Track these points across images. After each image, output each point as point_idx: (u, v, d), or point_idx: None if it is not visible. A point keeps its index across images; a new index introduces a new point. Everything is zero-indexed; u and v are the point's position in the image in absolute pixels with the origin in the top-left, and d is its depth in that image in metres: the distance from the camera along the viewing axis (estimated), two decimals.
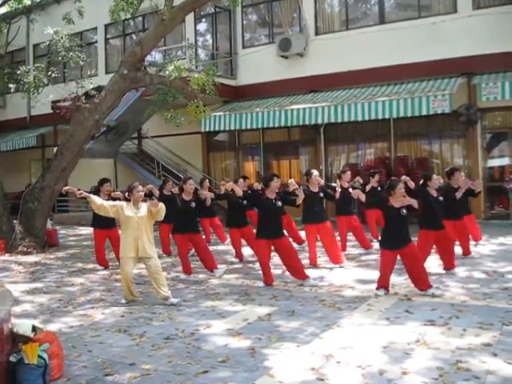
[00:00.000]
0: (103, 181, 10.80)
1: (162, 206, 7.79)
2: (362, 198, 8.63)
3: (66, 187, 10.44)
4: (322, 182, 10.48)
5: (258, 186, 11.80)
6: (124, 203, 7.93)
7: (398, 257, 7.70)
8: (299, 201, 8.84)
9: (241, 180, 11.47)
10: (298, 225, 11.92)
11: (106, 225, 10.49)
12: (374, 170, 12.89)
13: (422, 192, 8.89)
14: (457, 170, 10.34)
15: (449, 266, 9.05)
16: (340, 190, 10.27)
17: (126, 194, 8.25)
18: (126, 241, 7.73)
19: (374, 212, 11.40)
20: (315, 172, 10.18)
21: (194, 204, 9.51)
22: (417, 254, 7.72)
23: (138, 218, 7.71)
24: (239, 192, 9.50)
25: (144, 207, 7.81)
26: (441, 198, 8.96)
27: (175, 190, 11.08)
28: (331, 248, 10.03)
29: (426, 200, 8.79)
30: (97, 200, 7.93)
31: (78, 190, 10.16)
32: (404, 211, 7.57)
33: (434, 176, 9.17)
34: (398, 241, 7.58)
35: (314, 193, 9.86)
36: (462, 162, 16.57)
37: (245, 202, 10.13)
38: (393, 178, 8.67)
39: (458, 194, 9.69)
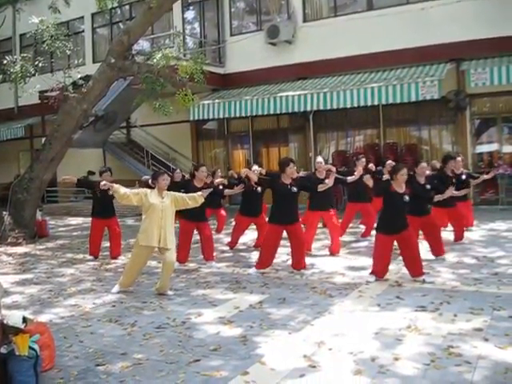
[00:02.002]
0: (103, 171, 10.69)
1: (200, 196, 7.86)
2: (370, 183, 8.54)
3: (66, 177, 10.39)
4: (333, 169, 10.29)
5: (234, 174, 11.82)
6: (148, 190, 7.74)
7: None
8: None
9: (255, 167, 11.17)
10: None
11: (105, 214, 10.45)
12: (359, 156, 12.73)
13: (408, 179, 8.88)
14: (451, 159, 10.37)
15: (437, 252, 9.07)
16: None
17: (150, 181, 8.19)
18: (149, 229, 7.48)
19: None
20: (318, 159, 10.17)
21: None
22: (413, 240, 7.71)
23: (164, 206, 7.52)
24: (254, 178, 9.45)
25: (168, 196, 7.66)
26: (428, 186, 8.96)
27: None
28: (335, 236, 10.02)
29: (411, 186, 8.77)
30: (120, 189, 7.58)
31: (79, 179, 10.18)
32: (407, 197, 7.58)
33: (422, 164, 9.20)
34: (395, 226, 7.58)
35: (319, 179, 9.77)
36: (451, 148, 16.58)
37: (259, 189, 10.12)
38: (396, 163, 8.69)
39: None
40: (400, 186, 7.62)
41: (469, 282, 7.50)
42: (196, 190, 9.29)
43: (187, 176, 11.72)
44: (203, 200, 7.99)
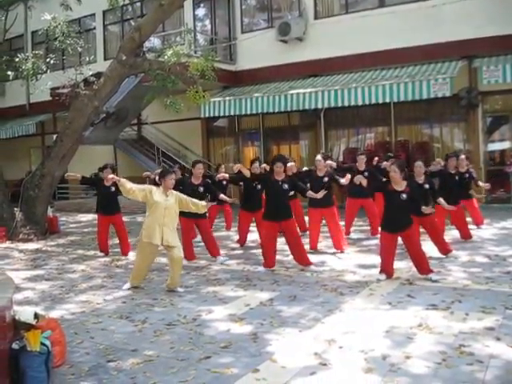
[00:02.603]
0: (104, 167, 10.77)
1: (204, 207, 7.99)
2: (364, 182, 8.59)
3: (71, 173, 10.46)
4: (333, 165, 10.29)
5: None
6: (154, 187, 7.77)
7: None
8: (312, 196, 8.86)
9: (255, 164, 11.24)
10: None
11: (109, 210, 10.51)
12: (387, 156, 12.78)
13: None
14: (452, 157, 10.35)
15: (443, 251, 9.04)
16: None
17: (157, 178, 8.23)
18: (151, 226, 7.55)
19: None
20: (317, 157, 10.17)
21: (202, 188, 9.47)
22: (415, 238, 7.68)
23: (167, 205, 7.57)
24: (247, 173, 9.52)
25: (172, 196, 7.69)
26: (426, 186, 8.92)
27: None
28: (335, 234, 10.02)
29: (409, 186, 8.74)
30: (127, 184, 7.64)
31: (83, 177, 10.26)
32: (404, 196, 7.54)
33: (417, 163, 9.19)
34: (397, 224, 7.55)
35: (319, 177, 9.83)
36: (463, 146, 16.50)
37: (259, 186, 10.14)
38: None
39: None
40: (398, 184, 7.58)
41: (480, 281, 7.45)
42: (193, 186, 9.37)
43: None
44: (205, 210, 8.01)
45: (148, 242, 7.60)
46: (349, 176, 9.46)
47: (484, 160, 16.16)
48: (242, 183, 10.77)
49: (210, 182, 9.93)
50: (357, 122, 18.28)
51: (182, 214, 9.34)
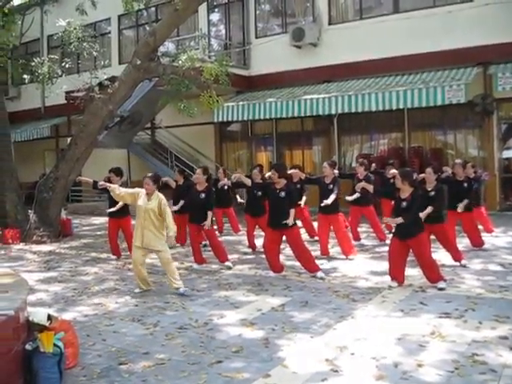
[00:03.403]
0: (110, 170, 10.81)
1: (172, 229, 7.76)
2: (370, 188, 8.62)
3: (83, 178, 10.53)
4: (335, 172, 10.32)
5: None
6: (142, 191, 7.88)
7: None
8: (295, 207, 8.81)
9: (255, 171, 11.32)
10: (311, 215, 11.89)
11: (117, 214, 10.54)
12: (391, 161, 12.83)
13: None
14: (456, 164, 10.30)
15: (456, 258, 8.99)
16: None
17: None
18: (136, 229, 7.84)
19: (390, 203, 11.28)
20: (324, 164, 10.21)
21: (203, 195, 9.44)
22: (423, 246, 7.60)
23: (146, 209, 7.69)
24: (248, 182, 9.65)
25: (156, 200, 7.74)
26: (432, 193, 8.87)
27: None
28: (342, 240, 10.02)
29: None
30: (116, 190, 8.05)
31: (95, 181, 10.30)
32: (404, 204, 7.52)
33: (427, 170, 9.18)
34: (404, 231, 7.53)
35: (326, 184, 9.86)
36: (477, 153, 16.43)
37: (259, 193, 10.18)
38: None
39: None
40: (403, 192, 7.59)
41: (494, 289, 7.40)
42: (196, 193, 9.40)
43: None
44: (171, 235, 7.80)
45: (134, 244, 7.89)
46: (357, 195, 9.75)
47: (499, 167, 16.06)
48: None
49: (214, 190, 9.97)
50: (370, 127, 18.25)
51: (189, 220, 9.61)
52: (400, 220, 7.40)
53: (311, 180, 10.79)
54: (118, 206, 10.28)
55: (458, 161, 10.68)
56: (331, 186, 9.82)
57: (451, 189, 10.09)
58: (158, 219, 7.74)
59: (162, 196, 7.83)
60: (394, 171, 10.28)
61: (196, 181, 9.68)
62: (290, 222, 8.25)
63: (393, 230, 8.18)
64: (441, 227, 8.86)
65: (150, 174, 8.03)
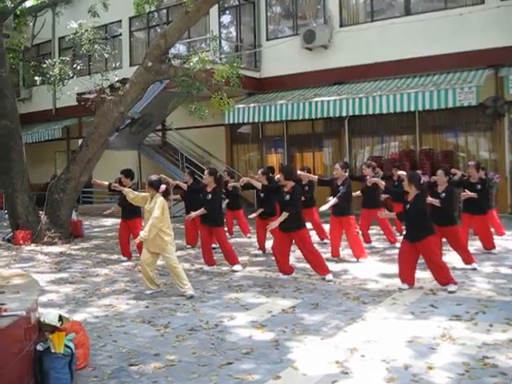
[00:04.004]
0: (121, 172, 10.89)
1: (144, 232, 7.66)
2: (381, 184, 8.61)
3: (98, 180, 10.58)
4: (345, 174, 10.20)
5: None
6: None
7: None
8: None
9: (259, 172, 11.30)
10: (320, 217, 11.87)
11: (126, 215, 10.57)
12: (397, 163, 12.80)
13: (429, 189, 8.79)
14: (470, 166, 10.24)
15: (467, 261, 8.94)
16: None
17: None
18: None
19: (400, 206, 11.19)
20: (336, 165, 10.16)
21: (210, 196, 9.45)
22: (431, 249, 7.55)
23: (147, 209, 7.80)
24: (258, 185, 9.66)
25: (156, 201, 7.70)
26: (443, 195, 8.81)
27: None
28: (353, 242, 10.00)
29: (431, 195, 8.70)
30: (130, 193, 8.23)
31: (110, 183, 10.38)
32: (407, 206, 7.54)
33: (438, 171, 9.14)
34: (410, 234, 7.56)
35: (337, 185, 9.84)
36: (488, 156, 16.37)
37: (262, 194, 10.32)
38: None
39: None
40: (410, 194, 7.61)
41: (505, 292, 7.37)
42: (204, 193, 9.52)
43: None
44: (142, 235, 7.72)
45: (143, 244, 7.95)
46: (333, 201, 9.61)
47: (510, 169, 15.98)
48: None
49: (222, 191, 10.01)
50: (381, 130, 18.22)
51: (200, 220, 9.61)
52: (392, 214, 8.09)
53: (323, 181, 10.74)
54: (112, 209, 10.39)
55: (471, 163, 10.62)
56: (341, 187, 9.81)
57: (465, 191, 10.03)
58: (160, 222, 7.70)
59: (160, 198, 7.74)
60: (401, 173, 10.27)
61: (205, 182, 9.72)
62: (272, 225, 8.54)
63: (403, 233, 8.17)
64: (452, 230, 8.82)
65: (148, 178, 8.03)
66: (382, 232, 11.73)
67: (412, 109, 15.04)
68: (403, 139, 18.25)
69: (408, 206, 7.55)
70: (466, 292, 7.45)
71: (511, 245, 11.05)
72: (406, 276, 7.70)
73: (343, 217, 9.82)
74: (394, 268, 8.83)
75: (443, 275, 7.54)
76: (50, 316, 4.85)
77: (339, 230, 10.01)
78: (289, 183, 8.52)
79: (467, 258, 8.95)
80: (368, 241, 11.36)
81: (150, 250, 7.79)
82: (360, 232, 11.03)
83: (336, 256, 10.03)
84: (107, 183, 10.57)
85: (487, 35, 15.20)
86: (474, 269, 8.80)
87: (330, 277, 8.45)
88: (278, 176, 9.88)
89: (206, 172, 9.78)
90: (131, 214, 10.49)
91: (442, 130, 17.40)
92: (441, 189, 8.91)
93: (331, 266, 8.87)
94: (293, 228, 8.36)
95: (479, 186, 9.97)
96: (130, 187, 9.66)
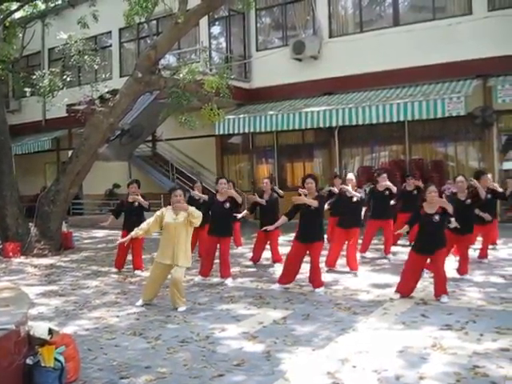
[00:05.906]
0: (130, 182, 10.98)
1: (198, 214, 7.61)
2: (394, 189, 8.72)
3: (139, 198, 10.48)
4: (346, 187, 9.90)
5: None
6: (163, 210, 7.80)
7: None
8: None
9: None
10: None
11: (127, 227, 10.45)
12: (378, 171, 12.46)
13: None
14: (483, 176, 10.11)
15: (462, 271, 8.96)
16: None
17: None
18: (163, 247, 7.66)
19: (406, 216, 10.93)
20: (349, 175, 10.11)
21: (228, 205, 9.33)
22: (440, 262, 7.59)
23: (176, 223, 7.57)
24: (262, 202, 10.32)
25: (183, 214, 7.61)
26: (468, 201, 8.94)
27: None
28: (352, 254, 9.93)
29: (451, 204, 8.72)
30: (139, 231, 7.98)
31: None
32: (436, 218, 7.51)
33: (458, 178, 9.20)
34: (427, 246, 7.54)
35: (347, 197, 9.78)
36: (478, 165, 16.43)
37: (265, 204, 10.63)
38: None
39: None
40: (430, 207, 7.57)
41: (495, 301, 7.40)
42: (219, 204, 9.29)
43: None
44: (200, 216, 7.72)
45: (159, 261, 7.70)
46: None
47: (499, 179, 16.05)
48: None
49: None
50: (371, 140, 18.28)
51: (208, 231, 9.50)
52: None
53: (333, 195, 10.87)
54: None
55: (489, 175, 10.63)
56: (355, 199, 9.70)
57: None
58: (187, 231, 7.66)
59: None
60: (417, 182, 10.33)
61: (221, 191, 9.41)
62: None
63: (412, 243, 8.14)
64: (470, 238, 8.90)
65: (177, 186, 8.03)
66: (373, 242, 11.66)
67: (401, 119, 15.14)
68: (393, 149, 18.33)
69: (437, 217, 7.52)
70: (457, 301, 7.47)
71: (502, 254, 11.10)
72: (407, 289, 7.71)
73: (352, 229, 9.75)
74: (385, 278, 8.89)
75: (443, 286, 7.55)
76: (39, 329, 4.82)
77: (342, 242, 9.95)
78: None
79: (465, 268, 8.96)
80: (364, 250, 11.27)
81: (168, 266, 7.60)
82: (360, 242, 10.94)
83: (330, 266, 9.96)
84: (148, 204, 10.59)
85: (475, 45, 15.32)
86: (463, 277, 8.83)
87: (321, 290, 8.42)
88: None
89: (222, 180, 9.57)
90: (132, 225, 10.35)
91: (431, 139, 17.49)
92: (462, 196, 8.97)
93: (322, 276, 8.84)
94: (311, 240, 8.32)
95: (489, 196, 9.82)
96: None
